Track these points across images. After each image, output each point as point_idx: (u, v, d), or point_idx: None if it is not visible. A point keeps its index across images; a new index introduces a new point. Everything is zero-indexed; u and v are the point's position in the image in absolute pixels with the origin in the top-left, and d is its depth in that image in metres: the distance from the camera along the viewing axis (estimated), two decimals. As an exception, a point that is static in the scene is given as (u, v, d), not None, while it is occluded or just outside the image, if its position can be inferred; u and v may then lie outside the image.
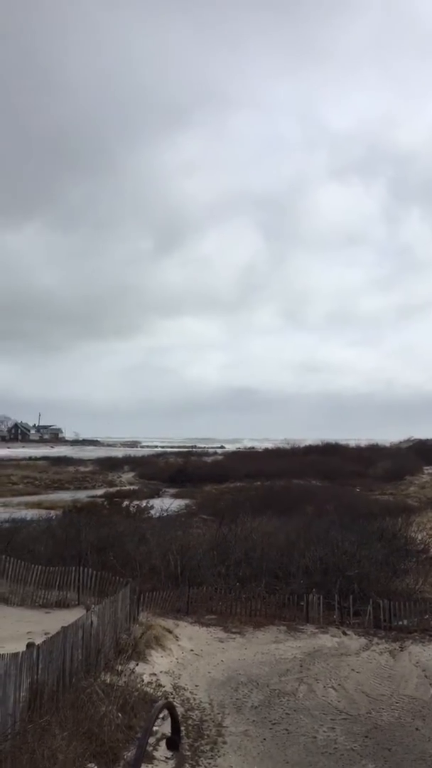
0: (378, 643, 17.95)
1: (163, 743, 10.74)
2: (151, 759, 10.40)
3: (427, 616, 19.75)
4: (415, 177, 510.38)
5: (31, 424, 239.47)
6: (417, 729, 12.67)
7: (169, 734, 10.87)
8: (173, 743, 10.81)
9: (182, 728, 11.26)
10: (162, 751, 10.63)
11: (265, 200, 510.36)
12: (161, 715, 10.76)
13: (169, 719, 10.88)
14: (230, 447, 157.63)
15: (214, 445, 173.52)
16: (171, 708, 10.37)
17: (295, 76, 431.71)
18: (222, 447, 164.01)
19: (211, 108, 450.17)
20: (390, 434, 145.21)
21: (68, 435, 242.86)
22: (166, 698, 12.53)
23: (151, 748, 10.57)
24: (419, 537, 30.44)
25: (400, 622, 19.49)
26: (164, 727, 11.12)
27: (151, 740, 10.62)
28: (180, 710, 12.08)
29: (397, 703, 13.97)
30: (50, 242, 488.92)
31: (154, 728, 10.66)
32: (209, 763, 10.78)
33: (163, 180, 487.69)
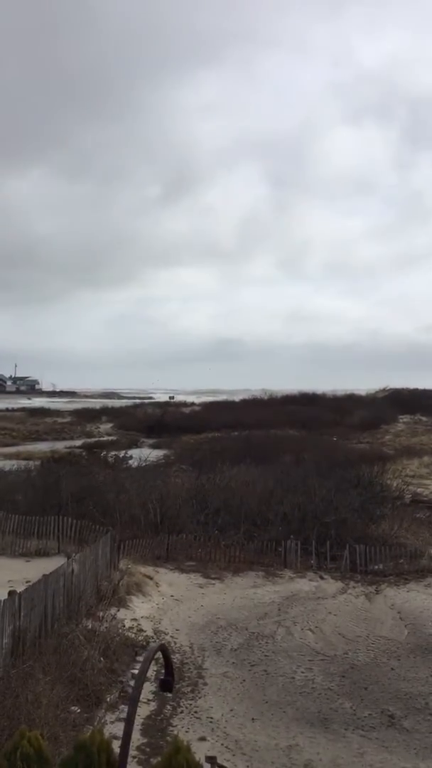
0: (354, 587, 18.36)
1: (146, 686, 10.91)
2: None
3: (401, 561, 20.21)
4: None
5: (7, 375, 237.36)
6: (392, 668, 13.06)
7: (155, 678, 11.02)
8: (167, 685, 10.93)
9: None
10: (144, 693, 10.81)
11: (278, 146, 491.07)
12: (140, 659, 10.88)
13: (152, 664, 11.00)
14: (208, 398, 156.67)
15: (191, 397, 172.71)
16: (165, 651, 10.41)
17: (335, 15, 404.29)
18: (197, 398, 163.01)
19: (243, 48, 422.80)
20: (374, 383, 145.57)
21: (45, 386, 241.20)
22: (148, 642, 12.71)
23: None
24: (394, 484, 30.94)
25: (376, 567, 19.92)
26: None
27: (134, 684, 10.76)
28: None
29: (372, 644, 14.35)
30: (55, 190, 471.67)
31: (135, 671, 10.81)
32: (190, 704, 11.02)
33: (179, 122, 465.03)
